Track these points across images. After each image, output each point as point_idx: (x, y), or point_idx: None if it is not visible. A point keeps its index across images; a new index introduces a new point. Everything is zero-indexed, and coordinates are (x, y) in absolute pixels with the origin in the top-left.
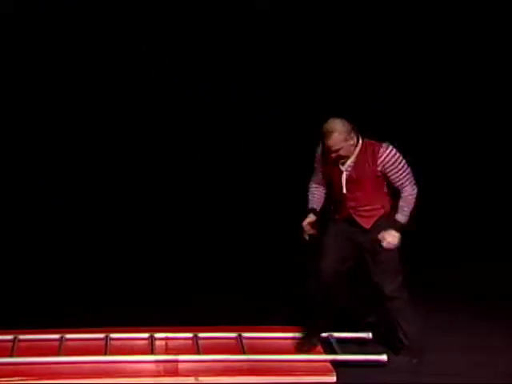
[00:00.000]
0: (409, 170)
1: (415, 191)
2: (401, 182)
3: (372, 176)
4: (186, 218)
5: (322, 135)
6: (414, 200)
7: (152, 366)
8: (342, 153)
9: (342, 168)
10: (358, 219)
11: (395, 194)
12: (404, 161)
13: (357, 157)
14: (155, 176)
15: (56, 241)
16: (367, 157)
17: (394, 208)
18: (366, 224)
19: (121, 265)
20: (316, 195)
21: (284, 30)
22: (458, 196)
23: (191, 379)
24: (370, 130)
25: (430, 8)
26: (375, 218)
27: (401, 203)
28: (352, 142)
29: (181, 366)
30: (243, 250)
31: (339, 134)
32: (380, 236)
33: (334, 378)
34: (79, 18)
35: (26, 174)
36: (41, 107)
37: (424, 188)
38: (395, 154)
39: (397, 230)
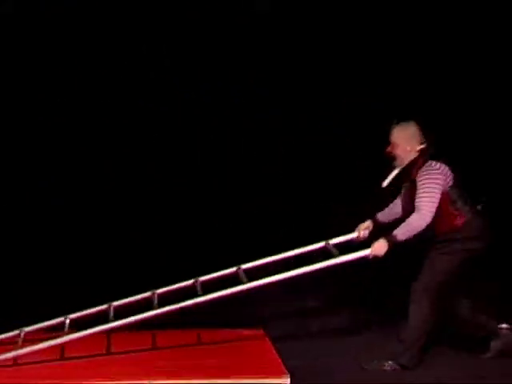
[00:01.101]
0: (428, 197)
1: (421, 222)
2: (417, 202)
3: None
4: (186, 217)
5: None
6: (414, 228)
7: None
8: (396, 151)
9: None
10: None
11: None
12: (432, 185)
13: (405, 167)
14: (155, 176)
15: (56, 241)
16: (412, 170)
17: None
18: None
19: (120, 265)
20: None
21: (284, 29)
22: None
23: (145, 382)
24: (370, 130)
25: (430, 8)
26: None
27: (405, 223)
28: (409, 148)
29: (136, 367)
30: (243, 250)
31: (399, 130)
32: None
33: (287, 380)
34: (79, 17)
35: (26, 174)
36: (41, 107)
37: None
38: (429, 171)
39: (387, 240)
